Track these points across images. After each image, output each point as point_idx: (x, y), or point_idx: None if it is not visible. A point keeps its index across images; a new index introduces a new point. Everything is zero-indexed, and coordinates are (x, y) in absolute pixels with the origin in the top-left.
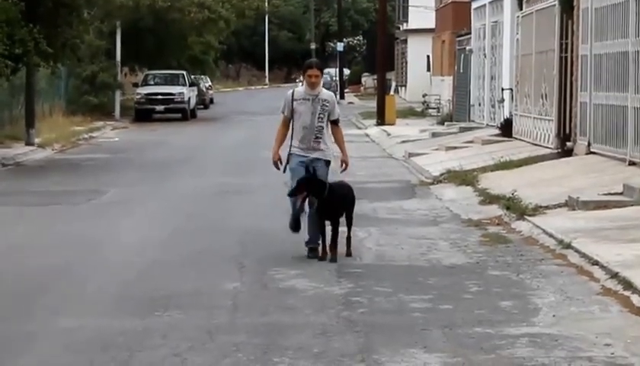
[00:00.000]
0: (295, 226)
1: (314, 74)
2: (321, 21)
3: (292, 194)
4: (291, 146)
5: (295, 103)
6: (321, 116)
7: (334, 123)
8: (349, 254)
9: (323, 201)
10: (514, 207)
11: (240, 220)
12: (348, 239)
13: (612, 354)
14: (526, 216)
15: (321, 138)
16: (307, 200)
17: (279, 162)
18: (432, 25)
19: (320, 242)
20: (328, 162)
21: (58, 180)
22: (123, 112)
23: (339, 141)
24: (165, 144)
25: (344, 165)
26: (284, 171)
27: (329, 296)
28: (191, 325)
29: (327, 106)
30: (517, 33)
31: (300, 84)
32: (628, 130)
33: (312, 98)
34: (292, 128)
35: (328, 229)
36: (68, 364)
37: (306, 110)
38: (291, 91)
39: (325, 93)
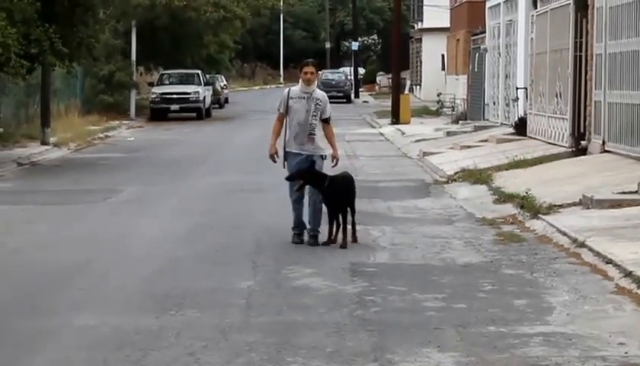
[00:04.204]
0: (298, 230)
1: (309, 71)
2: (336, 20)
3: (291, 178)
4: (286, 143)
5: (291, 101)
6: (315, 114)
7: (326, 121)
8: (355, 240)
9: (326, 192)
10: (528, 205)
11: (255, 218)
12: (353, 225)
13: (627, 353)
14: (540, 215)
15: (314, 135)
16: (301, 188)
17: (275, 156)
18: (447, 24)
19: (319, 230)
20: (322, 157)
21: (74, 179)
22: (138, 111)
23: (329, 138)
24: (180, 143)
25: (334, 160)
26: (284, 167)
27: (343, 295)
28: (205, 324)
29: (320, 105)
30: (532, 32)
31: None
32: None
33: (307, 97)
34: (289, 125)
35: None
36: (82, 361)
37: (301, 108)
38: (287, 89)
39: (319, 93)
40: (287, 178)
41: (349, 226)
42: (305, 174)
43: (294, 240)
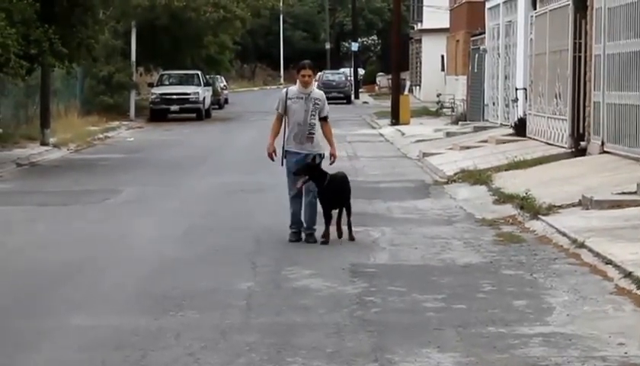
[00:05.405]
0: (296, 228)
1: (307, 74)
2: (335, 21)
3: (298, 172)
4: (286, 142)
5: (289, 101)
6: (314, 113)
7: (324, 119)
8: (351, 238)
9: (324, 191)
10: (528, 206)
11: (254, 219)
12: (349, 224)
13: (626, 353)
14: (539, 216)
15: (313, 134)
16: (304, 184)
17: (273, 154)
18: (446, 25)
19: (315, 227)
20: (320, 155)
21: (73, 180)
22: (138, 112)
23: (328, 135)
24: (180, 144)
25: (332, 158)
26: (282, 164)
27: (343, 295)
28: (205, 324)
29: (318, 104)
30: (531, 33)
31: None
32: None
33: (305, 97)
34: (287, 125)
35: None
36: (80, 362)
37: (300, 108)
38: (285, 89)
39: (317, 92)
40: (294, 173)
41: (344, 227)
42: (311, 170)
43: (291, 238)
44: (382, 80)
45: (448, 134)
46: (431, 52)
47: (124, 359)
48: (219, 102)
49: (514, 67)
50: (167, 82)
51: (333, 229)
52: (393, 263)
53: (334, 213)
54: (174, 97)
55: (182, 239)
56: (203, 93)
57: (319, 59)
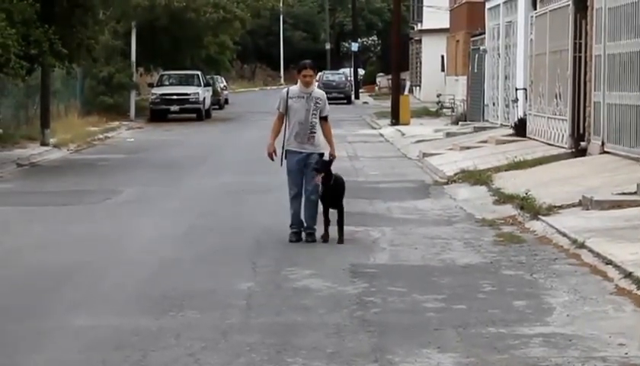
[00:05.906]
0: (296, 228)
1: (308, 74)
2: (335, 21)
3: (316, 169)
4: (287, 141)
5: (290, 101)
6: (315, 113)
7: (324, 119)
8: (340, 241)
9: (329, 191)
10: (528, 206)
11: (254, 219)
12: (340, 224)
13: (627, 353)
14: (540, 216)
15: (314, 133)
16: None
17: (273, 154)
18: (446, 25)
19: (306, 227)
20: (321, 155)
21: (73, 180)
22: (138, 112)
23: (327, 135)
24: (180, 144)
25: (330, 157)
26: (281, 164)
27: (343, 296)
28: (205, 324)
29: (319, 103)
30: (531, 33)
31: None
32: None
33: (307, 96)
34: (288, 124)
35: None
36: (80, 362)
37: (301, 107)
38: (286, 89)
39: (318, 91)
40: (315, 169)
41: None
42: (328, 166)
43: (291, 238)
44: (382, 80)
45: (448, 134)
46: (431, 53)
47: (124, 359)
48: (219, 102)
49: (514, 67)
50: (167, 83)
51: (333, 229)
52: (393, 263)
53: (335, 218)
54: (174, 97)
55: (182, 240)
56: (203, 93)
57: (319, 60)
